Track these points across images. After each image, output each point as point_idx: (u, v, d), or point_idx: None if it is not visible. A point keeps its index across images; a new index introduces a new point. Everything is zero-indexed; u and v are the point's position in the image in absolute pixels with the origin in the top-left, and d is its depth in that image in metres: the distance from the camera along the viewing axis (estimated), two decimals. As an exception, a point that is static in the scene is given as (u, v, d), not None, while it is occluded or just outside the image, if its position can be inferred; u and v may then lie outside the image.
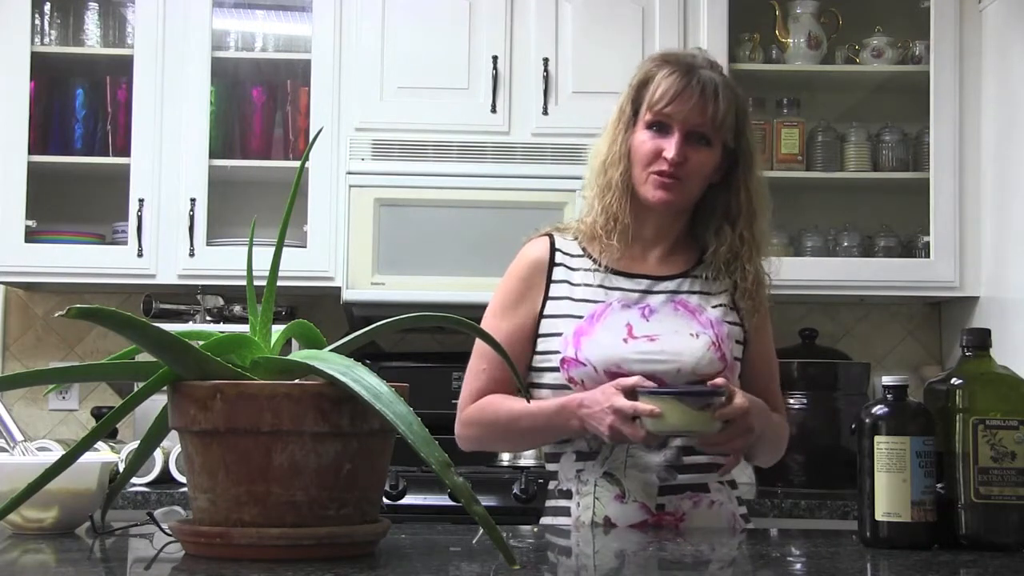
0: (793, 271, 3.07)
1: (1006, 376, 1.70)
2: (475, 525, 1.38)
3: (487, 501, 3.03)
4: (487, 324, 2.11)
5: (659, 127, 2.11)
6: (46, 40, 3.66)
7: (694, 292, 2.15)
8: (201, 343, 1.46)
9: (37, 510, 1.69)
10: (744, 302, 2.15)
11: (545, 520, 2.16)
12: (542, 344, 2.13)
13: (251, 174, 3.72)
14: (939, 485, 1.67)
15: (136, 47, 3.59)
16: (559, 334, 2.10)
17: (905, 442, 1.65)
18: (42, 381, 1.58)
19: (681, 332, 2.09)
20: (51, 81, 3.68)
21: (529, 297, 2.15)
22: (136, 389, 1.49)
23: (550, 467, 2.19)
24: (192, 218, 3.52)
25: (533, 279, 2.16)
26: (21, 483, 1.46)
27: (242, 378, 1.45)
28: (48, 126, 3.69)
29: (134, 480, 3.08)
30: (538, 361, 2.14)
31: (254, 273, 1.54)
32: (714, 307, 2.14)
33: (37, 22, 3.63)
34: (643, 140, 2.11)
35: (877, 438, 1.66)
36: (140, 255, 3.53)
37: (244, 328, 1.55)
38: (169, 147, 3.55)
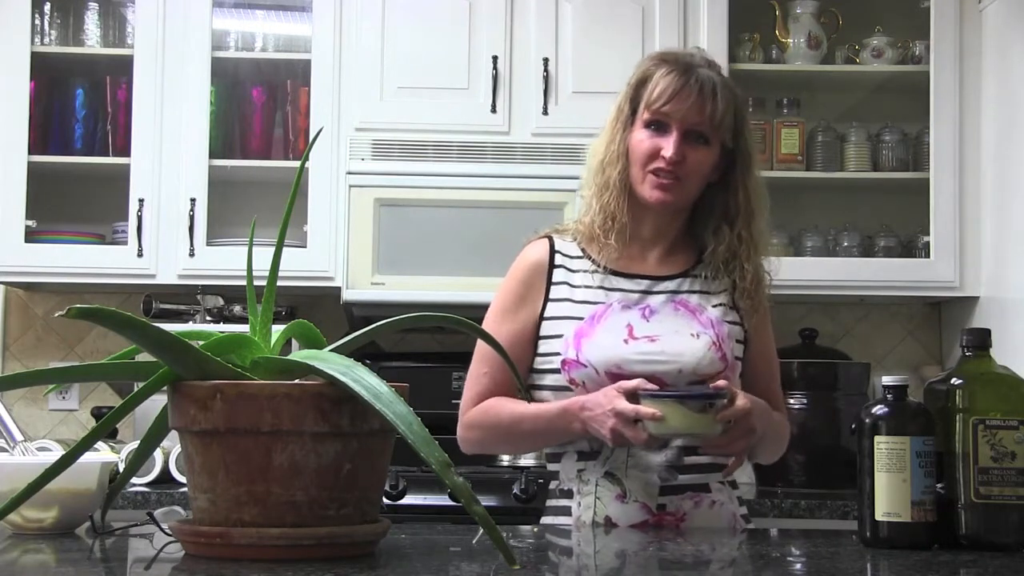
0: (793, 271, 3.07)
1: (1006, 376, 1.70)
2: (475, 525, 1.38)
3: (487, 501, 3.03)
4: (488, 328, 2.11)
5: (657, 126, 2.11)
6: (46, 40, 3.66)
7: (694, 292, 2.15)
8: (201, 343, 1.46)
9: (37, 510, 1.69)
10: (743, 301, 2.15)
11: (546, 519, 2.16)
12: (543, 346, 2.13)
13: (251, 174, 3.72)
14: (939, 485, 1.67)
15: (136, 47, 3.59)
16: (560, 336, 2.10)
17: (905, 442, 1.65)
18: (42, 381, 1.58)
19: (682, 332, 2.09)
20: (51, 81, 3.68)
21: (529, 299, 2.15)
22: (136, 389, 1.49)
23: (551, 467, 2.19)
24: (192, 218, 3.52)
25: (533, 281, 2.16)
26: (21, 483, 1.46)
27: (242, 378, 1.45)
28: (48, 126, 3.69)
29: (134, 480, 3.08)
30: (539, 363, 2.14)
31: (254, 273, 1.54)
32: (714, 307, 2.14)
33: (37, 22, 3.63)
34: (641, 139, 2.11)
35: (877, 438, 1.66)
36: (140, 255, 3.53)
37: (244, 328, 1.55)
38: (169, 147, 3.55)
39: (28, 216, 3.54)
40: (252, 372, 1.47)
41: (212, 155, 3.58)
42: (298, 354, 1.49)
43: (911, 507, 1.64)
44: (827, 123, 3.74)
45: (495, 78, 3.56)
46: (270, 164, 3.67)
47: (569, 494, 2.12)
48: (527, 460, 3.44)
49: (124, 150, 3.58)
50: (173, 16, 3.58)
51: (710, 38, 3.52)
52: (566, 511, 2.11)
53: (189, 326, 3.47)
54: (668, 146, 2.08)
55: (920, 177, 3.64)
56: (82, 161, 3.66)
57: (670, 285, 2.15)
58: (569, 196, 3.41)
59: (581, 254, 2.17)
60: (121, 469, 1.73)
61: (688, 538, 1.89)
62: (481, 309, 2.20)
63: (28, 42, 3.56)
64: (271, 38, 3.75)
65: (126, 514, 2.65)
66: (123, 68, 3.63)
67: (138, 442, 1.77)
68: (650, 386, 1.96)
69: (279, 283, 1.54)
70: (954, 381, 1.68)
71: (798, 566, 1.66)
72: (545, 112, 3.56)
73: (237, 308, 3.59)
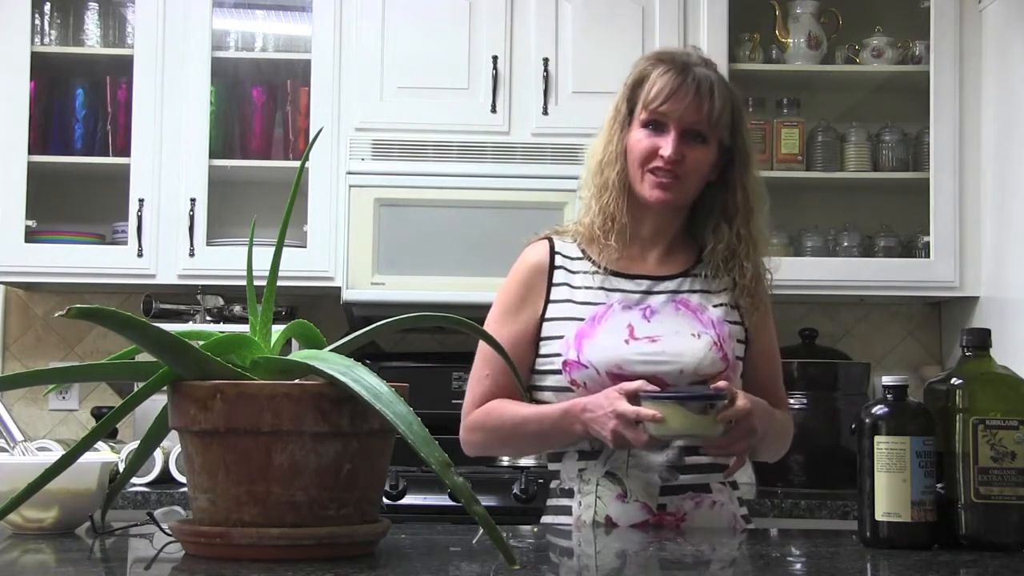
0: (793, 271, 3.07)
1: (1006, 376, 1.70)
2: (475, 525, 1.38)
3: (487, 501, 3.03)
4: (489, 330, 2.11)
5: (655, 126, 2.11)
6: (46, 40, 3.66)
7: (695, 291, 2.15)
8: (201, 343, 1.46)
9: (37, 510, 1.69)
10: (744, 299, 2.15)
11: (546, 519, 2.16)
12: (544, 347, 2.13)
13: (251, 174, 3.72)
14: (939, 485, 1.67)
15: (136, 47, 3.59)
16: (561, 337, 2.10)
17: (905, 442, 1.65)
18: (42, 381, 1.58)
19: (682, 332, 2.09)
20: (51, 81, 3.68)
21: (530, 301, 2.15)
22: (136, 389, 1.49)
23: (552, 466, 2.19)
24: (192, 218, 3.52)
25: (533, 283, 2.16)
26: (21, 483, 1.46)
27: (242, 378, 1.45)
28: (48, 126, 3.69)
29: (134, 480, 3.08)
30: (540, 364, 2.14)
31: (254, 273, 1.54)
32: (715, 306, 2.14)
33: (37, 22, 3.63)
34: (639, 139, 2.11)
35: (877, 438, 1.66)
36: (140, 255, 3.53)
37: (244, 328, 1.55)
38: (169, 147, 3.55)
39: (28, 216, 3.54)
40: (252, 372, 1.47)
41: (212, 155, 3.58)
42: (298, 354, 1.49)
43: (911, 507, 1.64)
44: (827, 123, 3.74)
45: (495, 78, 3.56)
46: (270, 164, 3.67)
47: (570, 493, 2.12)
48: (527, 460, 3.44)
49: (124, 150, 3.58)
50: (173, 16, 3.58)
51: (710, 38, 3.52)
52: (567, 510, 2.11)
53: (189, 326, 3.47)
54: (666, 145, 2.08)
55: (920, 177, 3.64)
56: (82, 161, 3.65)
57: (671, 285, 2.15)
58: (569, 196, 3.41)
59: (581, 255, 2.17)
60: (121, 469, 1.73)
61: (688, 538, 1.89)
62: (481, 309, 2.20)
63: (28, 42, 3.56)
64: (271, 38, 3.75)
65: (126, 514, 2.65)
66: (123, 68, 3.63)
67: (138, 442, 1.77)
68: (651, 388, 1.95)
69: (279, 283, 1.54)
70: (954, 381, 1.68)
71: (798, 566, 1.66)
72: (545, 112, 3.56)
73: (237, 308, 3.59)
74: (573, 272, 2.16)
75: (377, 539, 1.51)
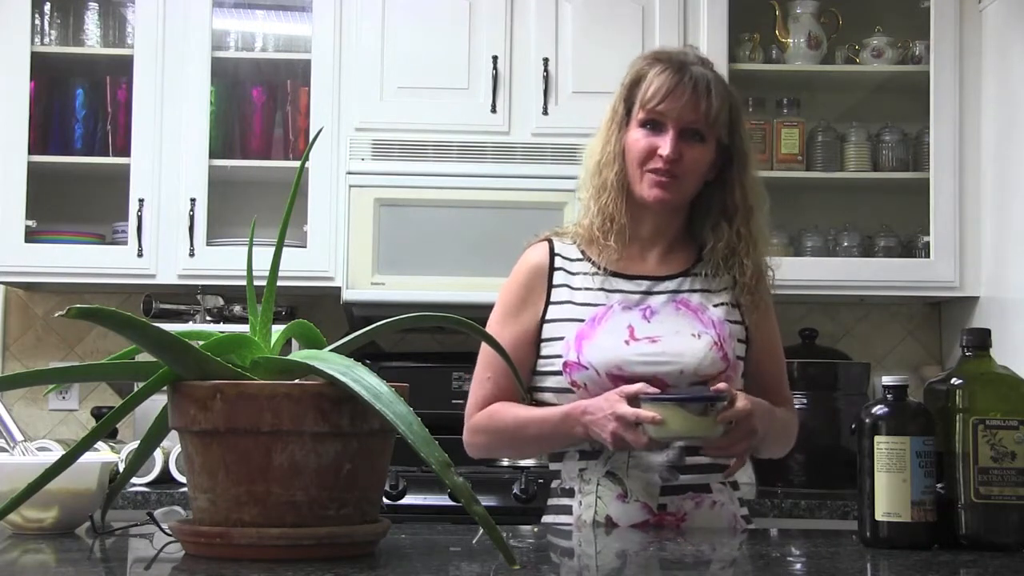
0: (793, 271, 3.06)
1: (1006, 376, 1.70)
2: (475, 525, 1.38)
3: (487, 501, 3.04)
4: (490, 332, 2.11)
5: (653, 125, 2.11)
6: (46, 40, 3.66)
7: (695, 291, 2.15)
8: (201, 343, 1.46)
9: (37, 510, 1.69)
10: (744, 297, 2.15)
11: (547, 518, 2.16)
12: (545, 348, 2.13)
13: (251, 174, 3.72)
14: (939, 485, 1.67)
15: (136, 47, 3.59)
16: (561, 338, 2.10)
17: (905, 442, 1.65)
18: (42, 381, 1.58)
19: (683, 333, 2.09)
20: (51, 81, 3.68)
21: (531, 303, 2.15)
22: (136, 389, 1.49)
23: (553, 466, 2.19)
24: (192, 218, 3.52)
25: (534, 285, 2.16)
26: (21, 483, 1.46)
27: (242, 378, 1.45)
28: (48, 126, 3.69)
29: (134, 480, 3.08)
30: (541, 365, 2.14)
31: (254, 273, 1.54)
32: (716, 306, 2.14)
33: (37, 22, 3.63)
34: (637, 138, 2.11)
35: (877, 438, 1.66)
36: (140, 255, 3.53)
37: (244, 328, 1.55)
38: (169, 147, 3.55)
39: (28, 216, 3.54)
40: (252, 372, 1.47)
41: (212, 155, 3.58)
42: (298, 354, 1.49)
43: (911, 507, 1.64)
44: (827, 123, 3.74)
45: (495, 78, 3.56)
46: (270, 164, 3.67)
47: (571, 493, 2.12)
48: (527, 460, 3.44)
49: (124, 150, 3.58)
50: (173, 16, 3.58)
51: (710, 38, 3.53)
52: (567, 510, 2.11)
53: (189, 326, 3.47)
54: (664, 145, 2.08)
55: (920, 177, 3.64)
56: (82, 161, 3.65)
57: (671, 285, 2.15)
58: (569, 196, 3.41)
59: (581, 256, 2.17)
60: (121, 469, 1.73)
61: (688, 538, 1.89)
62: (481, 309, 2.20)
63: (28, 42, 3.56)
64: (271, 38, 3.75)
65: (126, 514, 2.65)
66: (123, 68, 3.63)
67: (138, 442, 1.77)
68: (651, 390, 1.96)
69: (279, 283, 1.54)
70: (954, 381, 1.68)
71: (798, 566, 1.66)
72: (545, 112, 3.56)
73: (237, 308, 3.59)
74: (573, 273, 2.16)
75: (377, 539, 1.51)
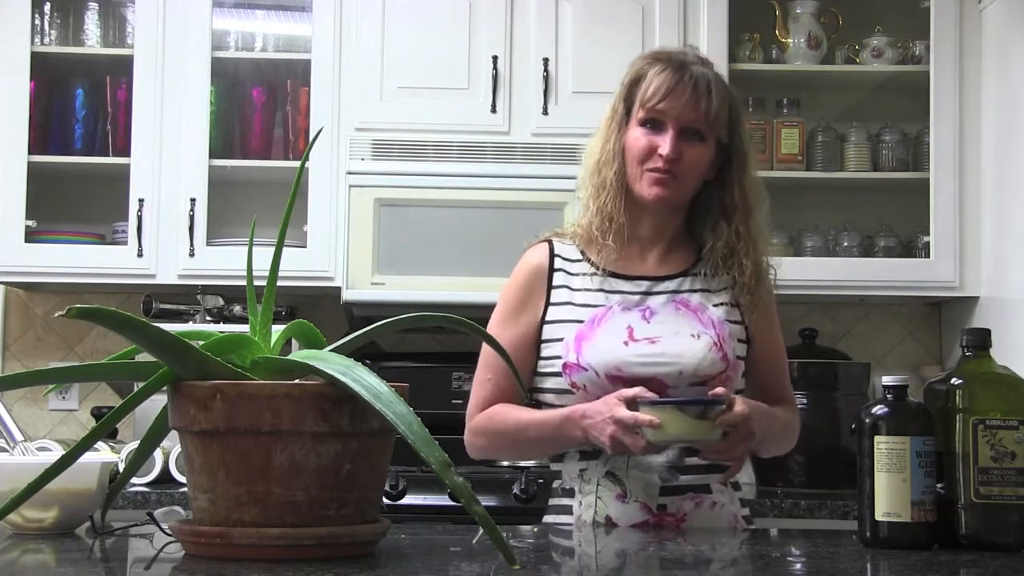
0: (793, 271, 3.06)
1: (1006, 376, 1.69)
2: (475, 525, 1.38)
3: (487, 501, 3.03)
4: (491, 334, 2.11)
5: (652, 124, 2.11)
6: (46, 40, 3.66)
7: (695, 291, 2.15)
8: (201, 343, 1.46)
9: (37, 510, 1.69)
10: (744, 297, 2.15)
11: (547, 518, 2.16)
12: (545, 350, 2.13)
13: (251, 174, 3.72)
14: (939, 485, 1.67)
15: (136, 47, 3.59)
16: (561, 339, 2.10)
17: (905, 442, 1.65)
18: (42, 381, 1.58)
19: (682, 333, 2.09)
20: (51, 81, 3.68)
21: (531, 304, 2.15)
22: (136, 389, 1.49)
23: (554, 466, 2.19)
24: (192, 218, 3.52)
25: (533, 286, 2.16)
26: (21, 483, 1.46)
27: (242, 378, 1.45)
28: (48, 126, 3.69)
29: (134, 480, 3.08)
30: (541, 367, 2.14)
31: (254, 273, 1.54)
32: (715, 306, 2.14)
33: (37, 22, 3.63)
34: (636, 137, 2.11)
35: (877, 438, 1.66)
36: (140, 255, 3.53)
37: (244, 328, 1.55)
38: (169, 147, 3.55)
39: (28, 216, 3.54)
40: (252, 372, 1.47)
41: (212, 155, 3.58)
42: (298, 354, 1.49)
43: (911, 507, 1.64)
44: (827, 123, 3.74)
45: (495, 78, 3.56)
46: (270, 164, 3.67)
47: (571, 493, 2.12)
48: (527, 460, 3.44)
49: (124, 150, 3.59)
50: (173, 16, 3.58)
51: (710, 38, 3.53)
52: (568, 510, 2.11)
53: (189, 326, 3.47)
54: (664, 144, 2.08)
55: (920, 177, 3.64)
56: (82, 161, 3.65)
57: (670, 285, 2.15)
58: (569, 196, 3.40)
59: (580, 257, 2.17)
60: (121, 469, 1.73)
61: (688, 538, 1.89)
62: (481, 309, 2.20)
63: (28, 42, 3.56)
64: (271, 38, 3.75)
65: (126, 514, 2.65)
66: (123, 68, 3.63)
67: (138, 442, 1.77)
68: (650, 395, 1.96)
69: (279, 283, 1.54)
70: (954, 381, 1.68)
71: (798, 566, 1.66)
72: (545, 112, 3.56)
73: (237, 308, 3.59)
74: (573, 274, 2.16)
75: (377, 539, 1.51)
